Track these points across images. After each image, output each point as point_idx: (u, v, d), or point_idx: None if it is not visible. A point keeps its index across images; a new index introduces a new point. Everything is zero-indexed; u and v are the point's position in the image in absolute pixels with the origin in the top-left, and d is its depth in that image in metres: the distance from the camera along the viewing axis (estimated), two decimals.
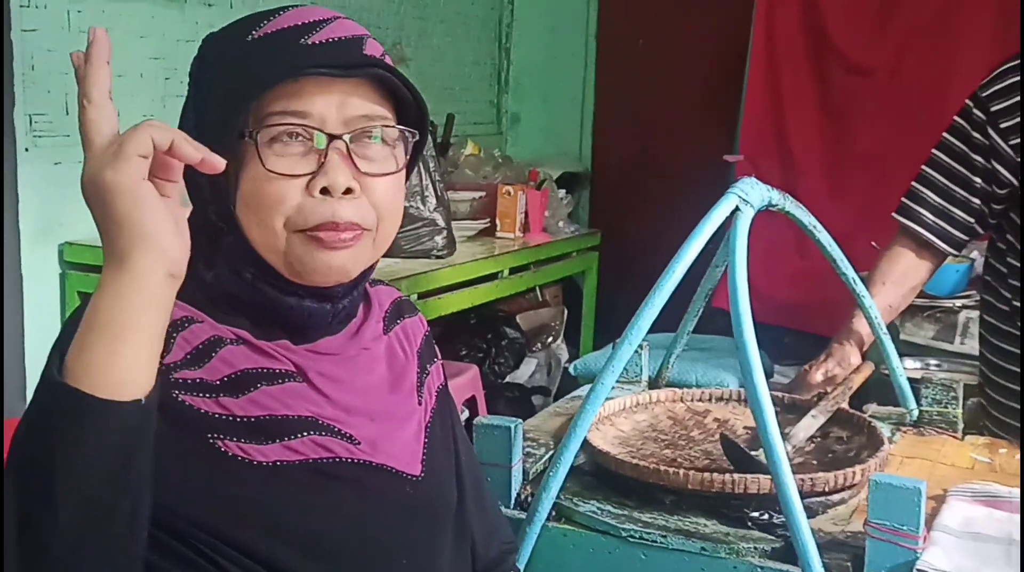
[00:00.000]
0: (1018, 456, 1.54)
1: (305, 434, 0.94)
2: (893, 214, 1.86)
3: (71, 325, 0.81)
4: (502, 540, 1.20)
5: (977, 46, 3.44)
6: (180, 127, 0.95)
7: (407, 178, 1.03)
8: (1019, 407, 1.77)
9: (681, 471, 1.30)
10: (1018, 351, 1.77)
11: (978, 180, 1.77)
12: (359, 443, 0.97)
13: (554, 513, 1.32)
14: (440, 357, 1.16)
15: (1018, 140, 1.72)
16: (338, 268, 0.95)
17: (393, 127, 0.98)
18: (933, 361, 2.49)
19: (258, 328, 0.96)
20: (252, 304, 0.96)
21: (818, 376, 1.70)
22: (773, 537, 1.24)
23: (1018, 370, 1.78)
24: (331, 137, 0.93)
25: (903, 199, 1.85)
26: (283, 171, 0.92)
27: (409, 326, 1.12)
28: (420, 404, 1.08)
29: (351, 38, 0.95)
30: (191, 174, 0.94)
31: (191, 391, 0.89)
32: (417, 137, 1.00)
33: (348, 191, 0.94)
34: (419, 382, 1.09)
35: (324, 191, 0.93)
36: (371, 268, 1.01)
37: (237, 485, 0.89)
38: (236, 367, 0.92)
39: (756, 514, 1.27)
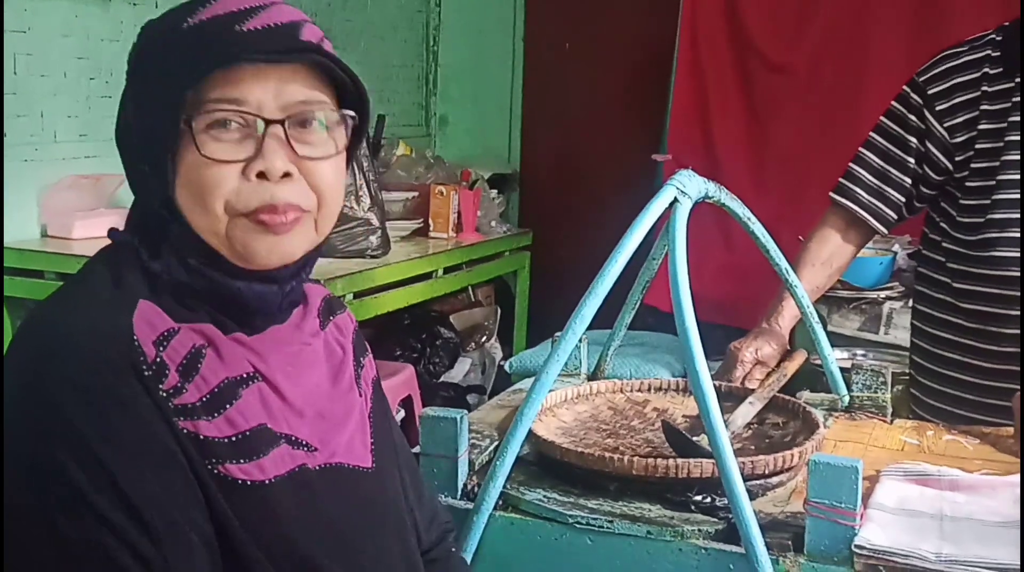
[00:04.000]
0: (945, 437, 1.59)
1: (280, 443, 0.95)
2: (830, 193, 1.92)
3: None
4: (441, 522, 1.23)
5: (891, 47, 3.55)
6: (119, 117, 0.97)
7: (348, 161, 1.03)
8: (952, 393, 1.84)
9: (626, 457, 1.32)
10: (952, 337, 1.84)
11: (911, 161, 1.83)
12: (316, 449, 0.99)
13: (501, 502, 1.33)
14: (369, 351, 1.18)
15: (953, 122, 1.77)
16: (280, 251, 0.95)
17: (332, 111, 0.98)
18: (859, 351, 2.56)
19: (215, 321, 0.96)
20: (203, 291, 0.96)
21: (748, 354, 1.74)
22: (716, 519, 1.27)
23: (952, 356, 1.84)
24: (268, 122, 0.93)
25: (840, 179, 1.91)
26: (220, 157, 0.92)
27: (340, 322, 1.14)
28: (360, 395, 1.10)
29: (287, 23, 0.95)
30: (133, 164, 0.95)
31: (189, 416, 0.90)
32: (357, 120, 1.00)
33: (286, 175, 0.94)
34: (356, 375, 1.11)
35: (261, 176, 0.93)
36: (315, 252, 1.02)
37: (243, 507, 0.91)
38: (217, 377, 0.93)
39: (699, 498, 1.30)
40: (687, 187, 1.41)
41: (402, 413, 2.99)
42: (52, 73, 2.95)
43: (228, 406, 0.92)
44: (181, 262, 0.95)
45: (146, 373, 0.88)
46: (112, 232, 1.00)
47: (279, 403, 0.97)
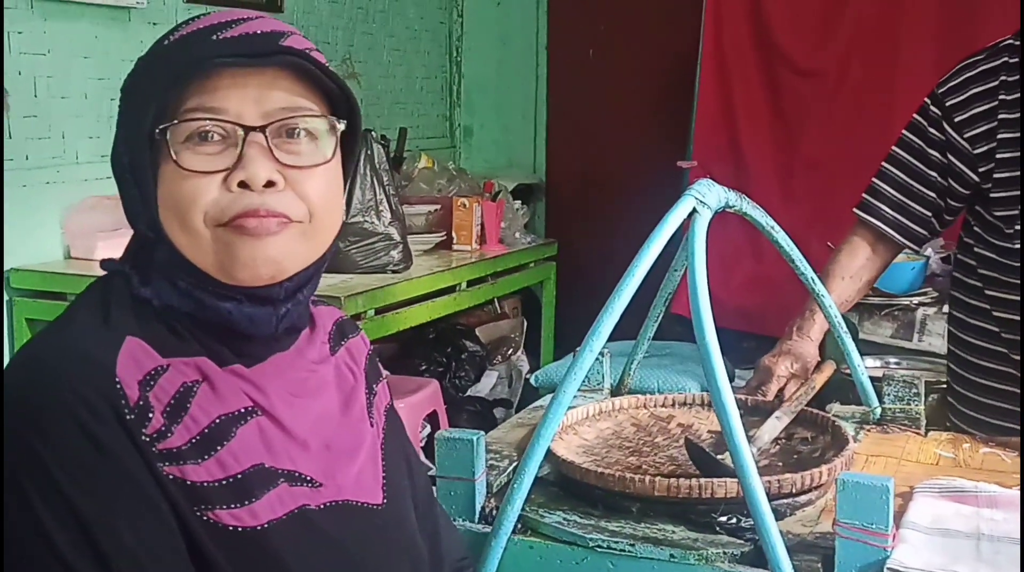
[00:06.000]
0: (982, 450, 1.54)
1: (278, 483, 0.91)
2: (854, 209, 1.88)
3: None
4: (456, 559, 1.17)
5: (920, 49, 3.49)
6: (114, 144, 0.94)
7: (347, 171, 0.99)
8: (989, 402, 1.78)
9: (647, 478, 1.28)
10: (987, 345, 1.78)
11: (934, 175, 1.79)
12: (320, 485, 0.94)
13: (519, 525, 1.29)
14: (383, 376, 1.13)
15: (973, 133, 1.73)
16: (265, 258, 0.90)
17: (317, 117, 0.93)
18: (893, 359, 2.50)
19: (210, 351, 0.92)
20: (195, 318, 0.92)
21: (782, 369, 1.70)
22: (742, 541, 1.23)
23: (988, 365, 1.79)
24: (248, 129, 0.89)
25: (863, 195, 1.87)
26: (198, 168, 0.88)
27: (353, 346, 1.09)
28: (372, 426, 1.05)
29: (269, 32, 0.92)
30: (125, 190, 0.93)
31: (174, 461, 0.86)
32: (344, 126, 0.96)
33: (270, 184, 0.90)
34: (368, 403, 1.06)
35: (243, 185, 0.89)
36: (313, 271, 0.96)
37: (236, 555, 0.87)
38: (209, 417, 0.89)
39: (724, 518, 1.25)
40: (706, 197, 1.37)
41: (427, 429, 2.96)
42: (73, 94, 2.96)
43: (220, 448, 0.88)
44: (171, 285, 0.91)
45: (128, 417, 0.84)
46: (104, 262, 0.97)
47: (280, 436, 0.93)
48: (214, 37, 0.90)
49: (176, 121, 0.89)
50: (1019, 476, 1.41)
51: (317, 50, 0.95)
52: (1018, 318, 1.71)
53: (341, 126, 0.95)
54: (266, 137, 0.90)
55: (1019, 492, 1.32)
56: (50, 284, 2.80)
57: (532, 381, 2.84)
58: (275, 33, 0.92)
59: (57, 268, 2.87)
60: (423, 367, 3.54)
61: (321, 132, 0.94)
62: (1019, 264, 1.69)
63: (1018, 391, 1.74)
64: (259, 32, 0.91)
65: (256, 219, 0.89)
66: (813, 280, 1.63)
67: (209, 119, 0.89)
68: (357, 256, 2.97)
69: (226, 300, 0.91)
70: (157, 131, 0.89)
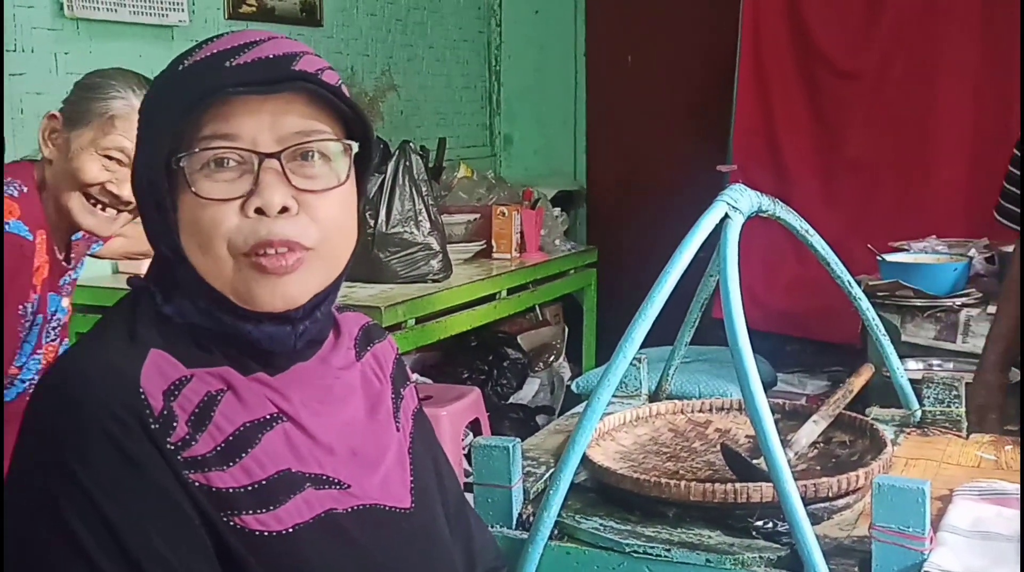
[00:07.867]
0: None
1: (305, 487, 0.93)
2: (995, 215, 1.96)
3: None
4: (489, 559, 1.17)
5: (962, 48, 3.45)
6: (134, 166, 0.96)
7: (361, 192, 1.00)
8: None
9: (683, 483, 1.28)
10: None
11: None
12: (348, 487, 0.96)
13: (556, 532, 1.30)
14: (412, 380, 1.14)
15: None
16: (283, 294, 0.92)
17: (331, 141, 0.95)
18: (935, 361, 2.47)
19: (233, 362, 0.94)
20: (216, 333, 0.94)
21: None
22: (778, 545, 1.23)
23: None
24: (263, 156, 0.91)
25: (999, 199, 1.96)
26: (215, 196, 0.90)
27: (380, 351, 1.11)
28: (399, 430, 1.06)
29: (280, 56, 0.93)
30: (145, 209, 0.95)
31: (200, 468, 0.88)
32: (357, 148, 0.97)
33: (285, 210, 0.91)
34: (395, 407, 1.08)
35: (259, 211, 0.91)
36: (332, 289, 0.98)
37: (264, 559, 0.88)
38: (234, 424, 0.91)
39: (760, 523, 1.26)
40: (738, 202, 1.37)
41: (470, 437, 2.97)
42: None
43: (244, 454, 0.90)
44: (192, 304, 0.94)
45: (153, 426, 0.86)
46: (131, 279, 0.99)
47: (307, 442, 0.95)
48: (227, 64, 0.91)
49: (192, 150, 0.91)
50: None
51: (331, 68, 0.96)
52: None
53: (355, 147, 0.97)
54: (281, 163, 0.91)
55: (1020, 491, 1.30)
56: (99, 299, 2.85)
57: (574, 388, 2.86)
58: (287, 56, 0.93)
59: (106, 283, 2.93)
60: (465, 375, 3.56)
61: (335, 154, 0.95)
62: None
63: None
64: (271, 56, 0.92)
65: (273, 256, 0.91)
66: (849, 283, 1.62)
67: (225, 147, 0.91)
68: (397, 266, 3.00)
69: (245, 321, 0.94)
70: (174, 160, 0.91)
